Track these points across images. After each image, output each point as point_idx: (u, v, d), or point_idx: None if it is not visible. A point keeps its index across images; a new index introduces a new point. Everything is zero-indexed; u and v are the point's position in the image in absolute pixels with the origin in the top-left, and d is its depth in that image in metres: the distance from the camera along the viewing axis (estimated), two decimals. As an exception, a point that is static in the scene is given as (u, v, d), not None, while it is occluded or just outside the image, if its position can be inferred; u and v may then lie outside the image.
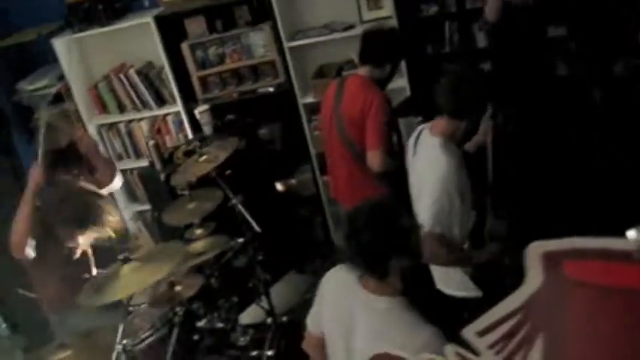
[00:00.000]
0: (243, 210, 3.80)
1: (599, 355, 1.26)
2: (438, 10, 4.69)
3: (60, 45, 4.94)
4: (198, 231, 3.80)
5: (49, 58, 5.12)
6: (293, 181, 5.18)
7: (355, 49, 3.91)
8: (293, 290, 4.79)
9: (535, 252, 1.35)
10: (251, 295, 4.06)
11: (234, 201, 3.79)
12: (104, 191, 3.57)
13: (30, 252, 3.30)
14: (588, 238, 1.32)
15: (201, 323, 3.69)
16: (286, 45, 4.71)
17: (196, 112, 4.61)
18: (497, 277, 3.19)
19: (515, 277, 3.18)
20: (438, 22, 4.73)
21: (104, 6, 4.87)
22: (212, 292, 3.74)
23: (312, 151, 4.99)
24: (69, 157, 3.62)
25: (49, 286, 3.45)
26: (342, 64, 4.72)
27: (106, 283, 2.97)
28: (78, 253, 3.38)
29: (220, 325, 3.72)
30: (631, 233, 1.28)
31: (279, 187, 5.07)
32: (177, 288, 3.43)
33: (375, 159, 3.66)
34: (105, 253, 3.58)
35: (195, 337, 3.59)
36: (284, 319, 4.05)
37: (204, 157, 3.74)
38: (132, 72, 5.10)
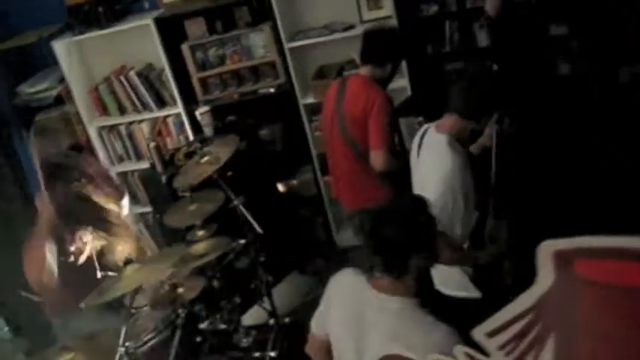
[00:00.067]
0: (244, 211, 3.79)
1: (611, 354, 1.25)
2: (438, 10, 4.68)
3: (60, 47, 4.94)
4: (200, 233, 3.78)
5: (50, 61, 5.12)
6: (294, 181, 5.18)
7: (356, 49, 3.91)
8: (295, 291, 4.79)
9: (546, 251, 1.34)
10: (253, 297, 4.05)
11: (235, 202, 3.79)
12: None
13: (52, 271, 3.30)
14: (600, 237, 1.31)
15: (203, 325, 3.69)
16: (286, 46, 4.70)
17: (197, 113, 4.60)
18: (497, 279, 3.19)
19: (514, 278, 3.18)
20: (438, 21, 4.72)
21: (104, 8, 4.87)
22: (214, 293, 3.73)
23: (313, 151, 4.99)
24: (69, 165, 3.60)
25: (52, 290, 3.44)
26: (342, 64, 4.72)
27: (109, 283, 2.98)
28: (83, 258, 3.39)
29: (223, 326, 3.72)
30: None
31: (280, 187, 5.06)
32: (180, 290, 3.42)
33: (378, 159, 3.66)
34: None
35: (198, 339, 3.59)
36: (286, 320, 4.05)
37: (205, 159, 3.73)
38: (132, 74, 5.10)
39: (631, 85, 4.19)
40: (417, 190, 3.18)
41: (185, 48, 4.86)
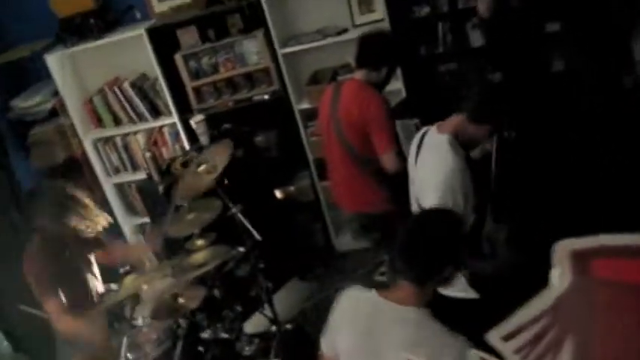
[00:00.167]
0: (243, 219, 3.78)
1: (633, 354, 1.23)
2: (430, 11, 4.67)
3: (53, 60, 4.93)
4: (199, 242, 3.77)
5: (43, 74, 5.12)
6: (292, 187, 5.17)
7: (349, 54, 3.91)
8: (296, 297, 4.78)
9: (562, 251, 1.32)
10: (254, 304, 4.03)
11: (233, 210, 3.77)
12: None
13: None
14: (616, 235, 1.30)
15: (205, 334, 3.66)
16: (280, 52, 4.70)
17: (192, 122, 4.60)
18: (495, 280, 3.18)
19: (513, 280, 3.17)
20: (430, 23, 4.72)
21: (96, 20, 4.86)
22: (215, 302, 3.72)
23: (310, 157, 4.99)
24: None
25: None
26: (336, 68, 4.72)
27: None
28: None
29: (225, 335, 3.69)
30: None
31: (278, 194, 5.05)
32: (181, 300, 3.41)
33: (389, 161, 3.68)
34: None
35: (200, 349, 3.57)
36: (288, 326, 4.03)
37: (202, 167, 3.72)
38: (126, 85, 5.09)
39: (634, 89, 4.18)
40: (417, 190, 3.17)
41: (178, 57, 4.85)
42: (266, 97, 4.87)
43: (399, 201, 3.61)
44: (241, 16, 4.73)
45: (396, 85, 4.59)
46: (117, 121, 5.25)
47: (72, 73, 5.15)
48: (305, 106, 4.85)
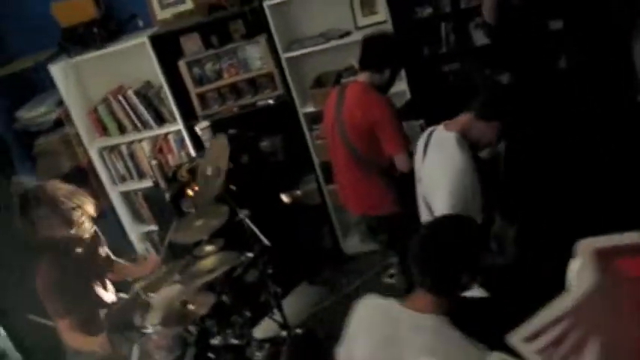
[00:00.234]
0: (250, 224, 3.78)
1: None
2: (432, 12, 4.67)
3: (57, 70, 4.94)
4: (207, 248, 3.77)
5: (47, 85, 5.13)
6: (298, 191, 5.16)
7: (353, 56, 3.90)
8: (305, 301, 4.78)
9: (585, 250, 1.30)
10: (264, 310, 4.03)
11: (241, 215, 3.77)
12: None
13: None
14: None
15: (215, 341, 3.66)
16: (283, 56, 4.70)
17: (197, 128, 4.60)
18: (504, 278, 3.17)
19: (521, 277, 3.15)
20: (433, 23, 4.71)
21: (98, 29, 4.87)
22: (225, 308, 3.71)
23: (316, 160, 4.98)
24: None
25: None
26: (340, 71, 4.72)
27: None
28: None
29: (235, 341, 3.69)
30: None
31: (284, 198, 5.05)
32: (190, 306, 3.41)
33: (402, 162, 3.68)
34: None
35: (211, 355, 3.56)
36: (298, 331, 4.02)
37: (209, 170, 3.73)
38: (130, 93, 5.09)
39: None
40: (425, 190, 3.16)
41: (182, 64, 4.85)
42: (270, 101, 4.87)
43: (406, 203, 3.60)
44: (244, 21, 4.73)
45: (401, 87, 4.58)
46: (122, 130, 5.25)
47: (76, 82, 5.16)
48: (309, 109, 4.85)
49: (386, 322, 2.29)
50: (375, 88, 3.76)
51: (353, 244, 5.24)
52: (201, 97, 4.98)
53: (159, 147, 5.23)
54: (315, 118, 4.81)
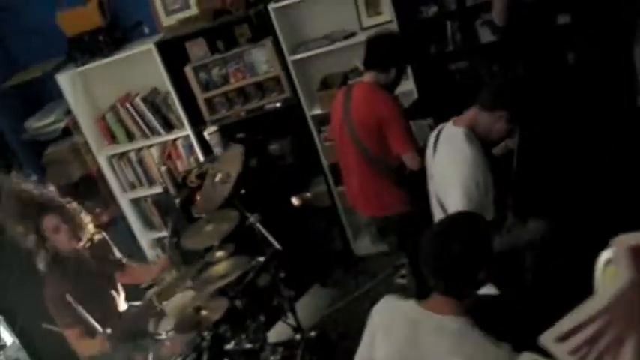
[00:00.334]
0: (261, 228, 3.77)
1: None
2: (437, 11, 4.65)
3: (64, 80, 4.95)
4: (219, 253, 3.77)
5: (55, 94, 5.14)
6: (308, 194, 5.16)
7: (358, 57, 3.89)
8: (318, 304, 4.77)
9: (619, 246, 1.28)
10: (277, 313, 4.02)
11: (251, 220, 3.77)
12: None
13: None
14: None
15: (229, 346, 3.67)
16: (289, 59, 4.69)
17: (205, 134, 4.60)
18: (517, 276, 3.15)
19: (535, 276, 3.13)
20: (438, 22, 4.70)
21: (104, 37, 4.88)
22: (238, 313, 3.71)
23: (325, 162, 4.98)
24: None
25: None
26: (347, 72, 4.71)
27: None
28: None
29: (249, 345, 3.69)
30: None
31: (294, 201, 5.04)
32: (203, 312, 3.41)
33: (411, 161, 3.68)
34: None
35: (225, 360, 3.57)
36: (312, 333, 4.01)
37: (218, 177, 3.73)
38: (138, 100, 5.10)
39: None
40: (436, 187, 3.15)
41: (188, 70, 4.86)
42: (278, 105, 4.87)
43: (417, 202, 3.60)
44: (249, 25, 4.73)
45: (408, 86, 4.57)
46: (130, 137, 5.27)
47: (83, 91, 5.17)
48: (317, 111, 4.84)
49: (407, 324, 2.25)
50: (382, 88, 3.76)
51: (364, 245, 5.23)
52: (209, 102, 4.98)
53: (167, 153, 5.24)
54: (322, 120, 4.80)
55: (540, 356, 1.29)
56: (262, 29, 4.69)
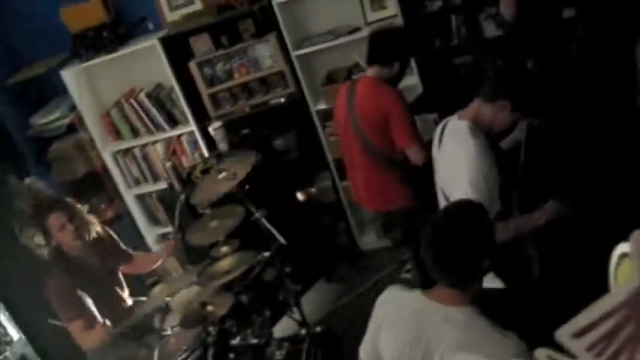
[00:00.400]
0: (266, 223, 3.77)
1: None
2: (442, 5, 4.63)
3: (68, 76, 4.95)
4: (224, 248, 3.77)
5: (60, 90, 5.14)
6: (313, 189, 5.15)
7: (358, 52, 3.89)
8: (323, 299, 4.78)
9: (638, 241, 1.26)
10: (282, 308, 4.02)
11: (257, 215, 3.77)
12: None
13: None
14: None
15: (235, 341, 3.67)
16: (293, 54, 4.69)
17: (210, 129, 4.59)
18: (523, 271, 3.14)
19: (542, 271, 3.11)
20: (443, 16, 4.68)
21: (109, 33, 4.88)
22: (243, 308, 3.72)
23: (330, 157, 4.97)
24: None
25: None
26: (351, 67, 4.69)
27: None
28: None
29: (255, 341, 3.70)
30: None
31: (299, 196, 5.04)
32: (209, 308, 3.41)
33: (415, 155, 3.68)
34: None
35: (231, 356, 3.56)
36: (317, 329, 4.01)
37: (222, 175, 3.72)
38: (142, 96, 5.10)
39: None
40: (443, 181, 3.13)
41: (192, 65, 4.85)
42: (282, 100, 4.86)
43: (422, 197, 3.59)
44: (253, 20, 4.72)
45: (412, 80, 4.57)
46: (135, 133, 5.26)
47: (88, 87, 5.17)
48: (322, 106, 4.83)
49: (412, 316, 2.23)
50: (385, 82, 3.75)
51: (369, 240, 5.23)
52: (213, 97, 4.98)
53: (172, 149, 5.24)
54: (327, 115, 4.79)
55: (555, 351, 1.28)
56: (266, 24, 4.68)
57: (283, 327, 4.11)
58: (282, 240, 3.75)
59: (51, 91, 5.31)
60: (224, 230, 3.68)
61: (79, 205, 3.70)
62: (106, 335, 3.37)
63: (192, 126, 5.04)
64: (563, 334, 1.26)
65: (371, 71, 3.79)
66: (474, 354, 2.02)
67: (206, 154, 4.98)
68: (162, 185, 5.20)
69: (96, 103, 5.28)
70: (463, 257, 2.14)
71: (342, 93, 3.92)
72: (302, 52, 4.72)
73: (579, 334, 1.24)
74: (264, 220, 3.76)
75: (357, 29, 4.68)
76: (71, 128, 5.19)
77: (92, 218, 3.77)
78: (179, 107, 5.07)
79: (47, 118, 5.15)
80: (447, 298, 2.18)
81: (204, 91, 4.93)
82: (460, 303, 2.17)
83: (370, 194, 3.99)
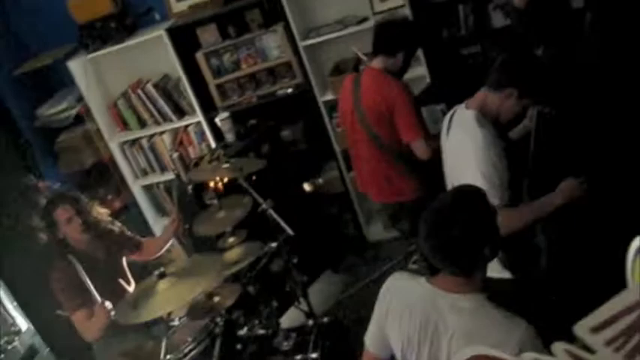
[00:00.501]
0: (274, 214, 3.77)
1: None
2: (450, -6, 4.62)
3: (76, 66, 4.95)
4: (231, 239, 3.77)
5: (67, 81, 5.15)
6: (320, 180, 5.15)
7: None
8: (330, 290, 4.77)
9: None
10: (289, 299, 4.02)
11: (264, 206, 3.76)
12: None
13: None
14: None
15: (242, 332, 3.68)
16: (300, 44, 4.67)
17: (217, 120, 4.59)
18: (532, 261, 3.12)
19: (550, 261, 3.10)
20: (451, 6, 4.65)
21: (116, 24, 4.88)
22: (250, 299, 3.72)
23: (337, 148, 4.96)
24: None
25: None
26: (358, 58, 4.68)
27: (143, 299, 2.96)
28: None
29: (262, 331, 3.71)
30: None
31: (306, 187, 5.03)
32: (216, 298, 3.41)
33: (419, 148, 3.66)
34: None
35: (238, 346, 3.57)
36: (325, 319, 4.01)
37: (226, 165, 3.73)
38: (149, 86, 5.10)
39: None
40: (451, 170, 3.12)
41: (199, 56, 4.85)
42: (290, 90, 4.85)
43: (430, 188, 3.57)
44: (260, 10, 4.71)
45: (420, 71, 4.55)
46: (142, 123, 5.27)
47: (95, 78, 5.18)
48: (329, 97, 4.82)
49: (421, 303, 2.20)
50: (390, 73, 3.73)
51: (376, 231, 5.22)
52: (220, 88, 4.97)
53: (179, 139, 5.24)
54: (334, 106, 4.76)
55: (571, 345, 1.26)
56: (274, 14, 4.67)
57: (290, 318, 4.10)
58: (289, 231, 3.74)
59: (58, 82, 5.32)
60: (231, 221, 3.67)
61: (87, 200, 3.71)
62: (107, 315, 3.36)
63: (200, 117, 5.04)
64: (581, 328, 1.24)
65: (376, 62, 3.77)
66: (480, 342, 2.00)
67: (213, 144, 4.97)
68: (169, 176, 5.21)
69: (103, 94, 5.28)
70: (463, 245, 2.09)
71: (346, 85, 3.90)
72: (309, 42, 4.70)
73: (598, 328, 1.23)
74: (271, 211, 3.75)
75: (364, 19, 4.66)
76: (78, 119, 5.20)
77: (103, 211, 3.78)
78: (186, 98, 5.06)
79: (54, 109, 5.16)
80: (453, 286, 2.16)
81: (212, 81, 4.93)
82: (466, 291, 2.14)
83: (377, 185, 3.98)
